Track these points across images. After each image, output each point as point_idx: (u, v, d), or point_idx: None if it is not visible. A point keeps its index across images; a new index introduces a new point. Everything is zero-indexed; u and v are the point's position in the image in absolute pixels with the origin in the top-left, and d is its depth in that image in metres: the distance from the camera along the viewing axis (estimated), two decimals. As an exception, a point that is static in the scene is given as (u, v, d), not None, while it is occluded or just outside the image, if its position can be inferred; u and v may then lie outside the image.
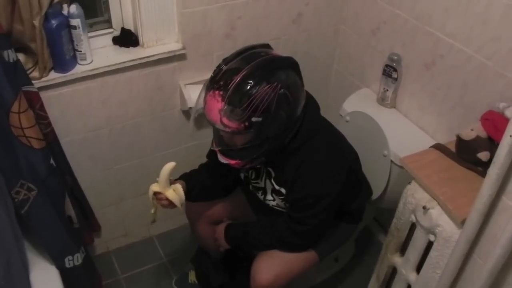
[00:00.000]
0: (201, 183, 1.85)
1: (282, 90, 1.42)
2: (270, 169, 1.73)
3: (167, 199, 1.75)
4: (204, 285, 2.28)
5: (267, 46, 1.56)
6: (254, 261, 1.83)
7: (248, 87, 1.39)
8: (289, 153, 1.61)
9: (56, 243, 1.80)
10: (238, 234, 1.85)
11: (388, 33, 2.06)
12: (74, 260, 1.87)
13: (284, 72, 1.46)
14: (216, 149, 1.62)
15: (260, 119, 1.42)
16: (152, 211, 1.81)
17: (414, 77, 1.98)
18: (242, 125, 1.43)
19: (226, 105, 1.40)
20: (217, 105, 1.42)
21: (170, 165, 1.69)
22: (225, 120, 1.43)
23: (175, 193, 1.74)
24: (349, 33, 2.30)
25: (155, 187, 1.74)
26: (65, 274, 1.87)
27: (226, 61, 1.48)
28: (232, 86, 1.40)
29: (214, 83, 1.44)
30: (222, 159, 1.62)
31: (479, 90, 1.71)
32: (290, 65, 1.50)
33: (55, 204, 1.75)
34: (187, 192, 1.80)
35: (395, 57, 2.00)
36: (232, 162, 1.61)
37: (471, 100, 1.75)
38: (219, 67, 1.47)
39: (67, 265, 1.86)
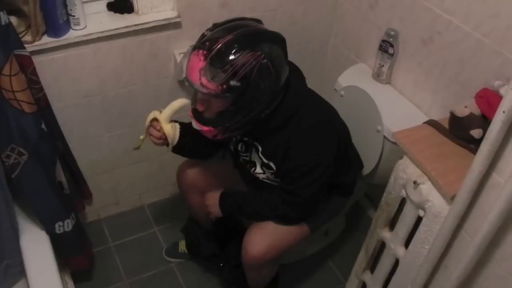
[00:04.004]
0: (192, 136, 1.79)
1: (265, 60, 1.43)
2: (257, 144, 1.73)
3: (160, 131, 1.72)
4: (194, 255, 2.30)
5: (257, 20, 1.56)
6: (246, 233, 1.84)
7: (232, 50, 1.40)
8: (275, 128, 1.61)
9: (46, 208, 1.80)
10: (234, 203, 1.85)
11: (386, 7, 2.04)
12: (65, 226, 1.88)
13: (270, 45, 1.46)
14: (191, 107, 1.62)
15: (238, 84, 1.43)
16: (141, 137, 1.76)
17: (411, 53, 1.97)
18: (220, 87, 1.43)
19: (208, 64, 1.41)
20: (199, 63, 1.43)
21: (182, 102, 1.66)
22: (204, 80, 1.43)
23: (172, 130, 1.72)
24: (347, 7, 2.27)
25: (157, 114, 1.70)
26: (55, 240, 1.88)
27: (215, 26, 1.49)
28: (217, 48, 1.41)
29: (201, 43, 1.45)
30: (196, 124, 1.62)
31: (475, 67, 1.70)
32: (276, 39, 1.51)
33: (45, 169, 1.74)
34: (179, 137, 1.77)
35: (392, 33, 1.98)
36: (205, 128, 1.60)
37: (467, 77, 1.75)
38: (207, 30, 1.49)
39: (57, 231, 1.87)
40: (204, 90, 1.45)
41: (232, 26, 1.46)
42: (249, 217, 1.87)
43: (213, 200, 1.90)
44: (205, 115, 1.58)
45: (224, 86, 1.43)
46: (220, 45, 1.41)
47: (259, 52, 1.41)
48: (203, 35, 1.48)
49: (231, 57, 1.40)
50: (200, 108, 1.57)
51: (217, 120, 1.57)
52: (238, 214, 1.90)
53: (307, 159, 1.63)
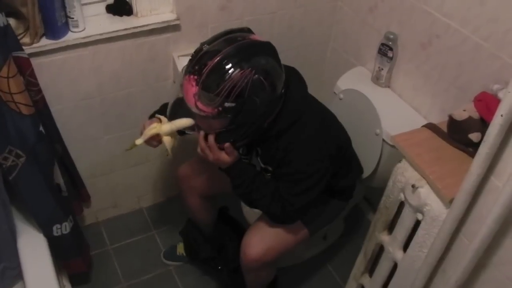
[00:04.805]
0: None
1: (256, 75, 1.41)
2: (258, 148, 1.73)
3: (159, 141, 1.68)
4: (192, 258, 2.30)
5: (247, 30, 1.55)
6: (244, 235, 1.84)
7: (221, 72, 1.39)
8: (275, 134, 1.60)
9: (44, 210, 1.80)
10: (248, 169, 1.71)
11: (385, 11, 2.04)
12: (62, 228, 1.87)
13: (260, 57, 1.45)
14: (197, 131, 1.61)
15: (233, 104, 1.42)
16: (137, 143, 1.68)
17: (410, 57, 1.97)
18: (216, 110, 1.43)
19: (200, 89, 1.41)
20: (192, 89, 1.43)
21: (187, 122, 1.61)
22: (200, 105, 1.44)
23: (172, 141, 1.68)
24: (346, 10, 2.27)
25: (158, 128, 1.64)
26: (53, 242, 1.88)
27: (203, 44, 1.48)
28: (206, 71, 1.40)
29: (190, 68, 1.44)
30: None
31: (473, 71, 1.70)
32: (266, 50, 1.49)
33: (43, 172, 1.74)
34: None
35: (391, 36, 1.98)
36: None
37: (466, 81, 1.75)
38: (196, 52, 1.47)
39: (55, 233, 1.87)
40: (202, 113, 1.46)
41: (219, 44, 1.45)
42: (244, 191, 1.71)
43: (230, 155, 1.66)
44: (209, 133, 1.58)
45: (220, 108, 1.43)
46: (209, 68, 1.40)
47: (249, 69, 1.40)
48: (192, 57, 1.47)
49: (222, 79, 1.39)
50: (202, 126, 1.58)
51: (221, 137, 1.57)
52: (239, 181, 1.70)
53: (304, 166, 1.61)
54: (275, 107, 1.54)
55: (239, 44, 1.44)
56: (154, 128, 1.65)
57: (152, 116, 1.76)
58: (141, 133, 1.70)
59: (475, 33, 1.66)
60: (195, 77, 1.42)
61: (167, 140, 1.67)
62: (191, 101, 1.45)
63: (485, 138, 1.15)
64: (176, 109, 1.60)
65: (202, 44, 1.48)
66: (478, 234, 1.25)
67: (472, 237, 1.30)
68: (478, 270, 1.37)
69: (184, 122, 1.61)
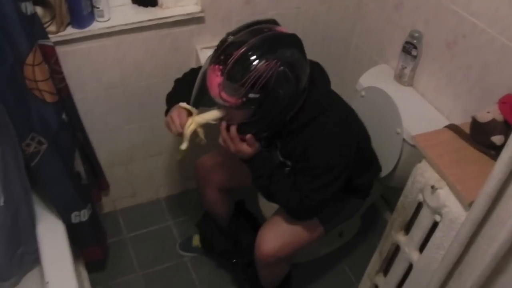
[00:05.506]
0: None
1: (281, 67, 1.41)
2: (278, 142, 1.73)
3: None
4: (207, 250, 2.31)
5: (273, 22, 1.54)
6: (260, 230, 1.84)
7: (247, 63, 1.39)
8: (297, 128, 1.60)
9: (64, 197, 1.82)
10: (270, 161, 1.72)
11: (411, 9, 2.02)
12: (81, 216, 1.90)
13: (285, 49, 1.44)
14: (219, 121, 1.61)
15: (257, 95, 1.42)
16: (184, 147, 1.65)
17: (434, 56, 1.94)
18: (240, 100, 1.43)
19: (225, 79, 1.41)
20: (216, 79, 1.43)
21: (219, 114, 1.59)
22: (224, 95, 1.44)
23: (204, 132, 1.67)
24: (371, 7, 2.25)
25: (196, 124, 1.62)
26: (71, 229, 1.91)
27: (229, 35, 1.47)
28: (232, 61, 1.40)
29: (216, 58, 1.44)
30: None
31: (499, 73, 1.68)
32: (292, 42, 1.48)
33: (64, 159, 1.76)
34: None
35: (416, 34, 1.96)
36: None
37: (490, 82, 1.72)
38: (221, 42, 1.47)
39: (73, 220, 1.89)
40: (226, 104, 1.46)
41: (245, 34, 1.44)
42: (263, 184, 1.71)
43: (252, 147, 1.66)
44: (231, 124, 1.58)
45: (244, 99, 1.43)
46: (234, 58, 1.40)
47: (275, 60, 1.40)
48: (218, 47, 1.47)
49: (247, 69, 1.39)
50: (224, 116, 1.58)
51: (243, 128, 1.57)
52: (259, 173, 1.70)
53: (323, 161, 1.61)
54: (298, 100, 1.54)
55: (265, 36, 1.44)
56: (191, 124, 1.64)
57: (173, 104, 1.73)
58: (167, 125, 1.70)
59: (502, 34, 1.63)
60: (220, 67, 1.41)
61: (200, 131, 1.67)
62: (215, 91, 1.45)
63: (508, 141, 1.13)
64: (200, 97, 1.60)
65: (228, 34, 1.48)
66: (498, 239, 1.24)
67: (491, 241, 1.28)
68: (495, 275, 1.35)
69: (214, 114, 1.61)
